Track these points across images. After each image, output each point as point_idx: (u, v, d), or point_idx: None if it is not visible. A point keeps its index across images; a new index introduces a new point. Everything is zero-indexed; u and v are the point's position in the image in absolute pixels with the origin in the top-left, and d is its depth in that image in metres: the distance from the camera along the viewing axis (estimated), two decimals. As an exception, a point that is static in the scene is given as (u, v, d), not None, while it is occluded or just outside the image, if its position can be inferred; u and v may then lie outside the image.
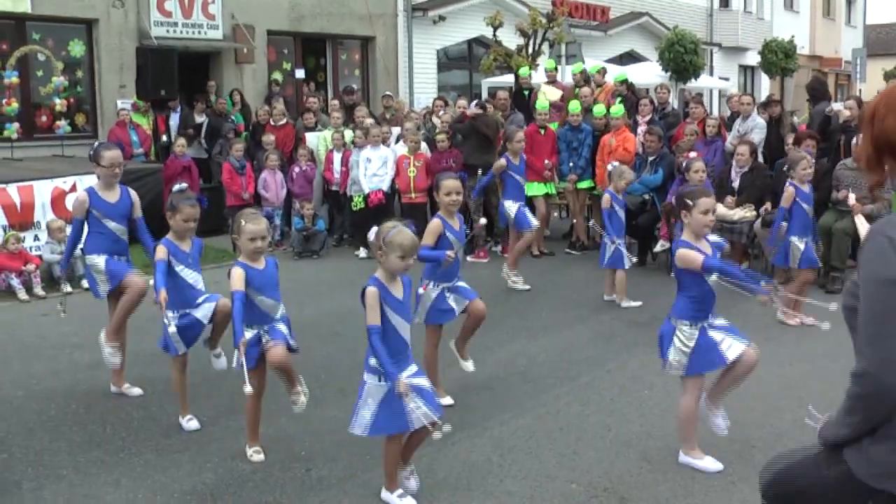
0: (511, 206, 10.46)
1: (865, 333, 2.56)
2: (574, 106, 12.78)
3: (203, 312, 6.08)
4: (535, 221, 10.82)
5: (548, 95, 13.68)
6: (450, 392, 6.65)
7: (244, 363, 5.13)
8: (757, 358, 5.37)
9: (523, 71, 15.64)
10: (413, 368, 4.92)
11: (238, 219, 5.52)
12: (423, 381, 4.93)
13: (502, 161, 10.60)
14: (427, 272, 6.50)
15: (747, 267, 10.84)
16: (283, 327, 5.55)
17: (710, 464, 5.44)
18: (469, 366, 6.78)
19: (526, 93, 14.96)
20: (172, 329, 5.92)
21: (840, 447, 2.70)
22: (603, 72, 15.39)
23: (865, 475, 2.62)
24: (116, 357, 6.76)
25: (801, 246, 8.55)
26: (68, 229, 10.76)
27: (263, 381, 5.56)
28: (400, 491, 5.03)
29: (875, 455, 2.60)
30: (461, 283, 6.60)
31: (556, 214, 14.92)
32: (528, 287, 10.42)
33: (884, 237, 2.53)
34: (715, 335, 5.38)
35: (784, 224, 8.63)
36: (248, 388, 5.10)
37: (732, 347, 5.33)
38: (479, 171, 11.55)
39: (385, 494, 5.04)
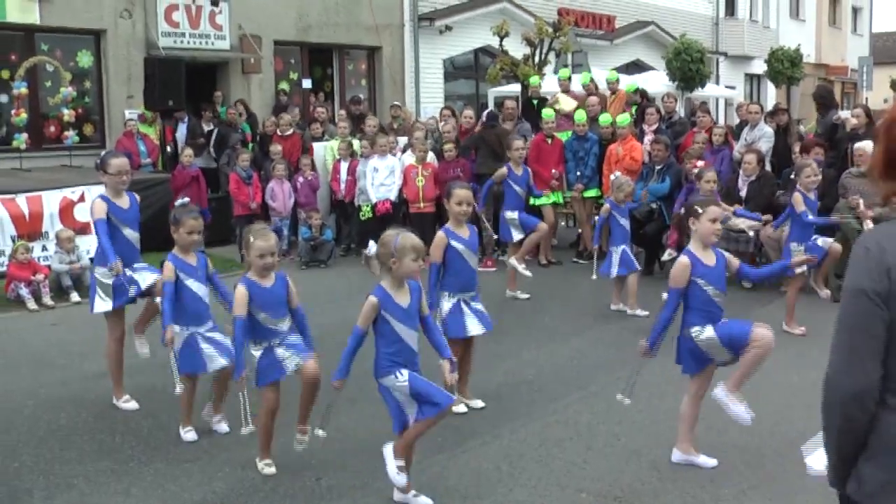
0: (511, 216, 10.44)
1: (834, 339, 2.61)
2: (579, 116, 12.79)
3: (214, 364, 6.06)
4: (517, 235, 10.49)
5: (563, 105, 13.66)
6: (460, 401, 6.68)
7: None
8: (772, 337, 5.41)
9: (534, 80, 15.64)
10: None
11: (246, 235, 5.46)
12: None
13: (503, 169, 10.58)
14: (444, 284, 6.51)
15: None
16: (296, 339, 5.54)
17: (742, 411, 5.52)
18: (466, 406, 6.76)
19: (535, 102, 14.96)
20: (176, 347, 6.04)
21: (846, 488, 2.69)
22: (618, 81, 15.36)
23: (860, 496, 2.61)
24: (145, 347, 6.88)
25: (802, 249, 8.59)
26: (77, 239, 10.89)
27: (278, 399, 5.51)
28: (413, 491, 5.10)
29: (867, 473, 2.59)
30: (479, 306, 6.67)
31: (562, 224, 14.92)
32: (528, 296, 10.42)
33: (862, 247, 2.58)
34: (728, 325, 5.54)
35: (785, 228, 8.67)
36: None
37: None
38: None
39: (387, 451, 5.08)
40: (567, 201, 13.22)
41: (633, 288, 9.66)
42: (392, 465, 5.01)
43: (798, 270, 8.53)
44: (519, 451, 5.89)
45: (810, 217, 8.62)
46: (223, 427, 6.30)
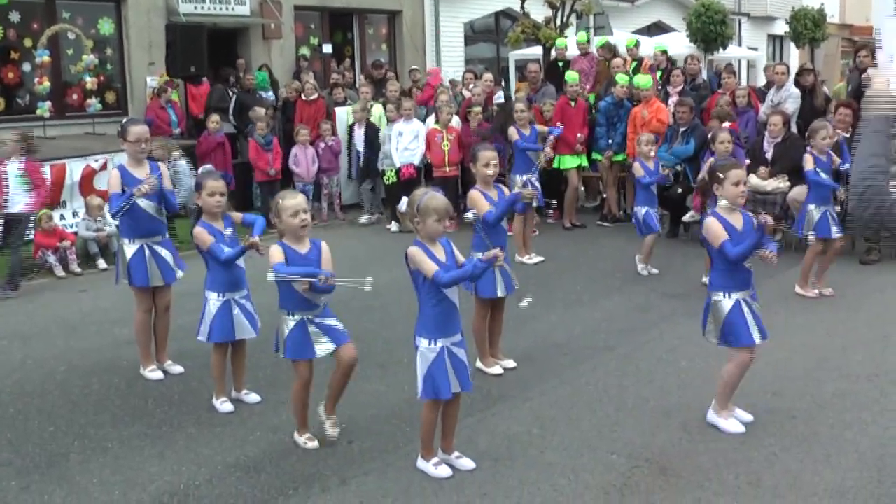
0: (519, 181, 10.32)
1: None
2: (642, 80, 12.54)
3: (242, 333, 6.05)
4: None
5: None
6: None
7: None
8: (750, 359, 5.50)
9: (560, 42, 15.49)
10: (458, 337, 4.96)
11: (275, 201, 5.32)
12: (462, 353, 4.98)
13: (512, 130, 10.55)
14: (476, 244, 6.51)
15: (780, 238, 10.81)
16: (334, 322, 5.39)
17: (732, 426, 5.54)
18: (501, 367, 6.82)
19: (560, 64, 14.84)
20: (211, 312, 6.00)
21: None
22: (637, 45, 15.20)
23: None
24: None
25: (817, 215, 8.48)
26: (107, 208, 10.90)
27: (311, 372, 5.44)
28: (436, 459, 5.09)
29: None
30: (507, 267, 6.65)
31: (582, 189, 14.78)
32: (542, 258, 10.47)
33: None
34: (747, 313, 5.44)
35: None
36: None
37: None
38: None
39: (421, 463, 5.10)
40: (593, 163, 13.06)
41: (647, 247, 9.70)
42: (431, 471, 5.04)
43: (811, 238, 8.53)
44: (549, 414, 5.90)
45: (823, 176, 8.52)
46: (253, 397, 6.29)
